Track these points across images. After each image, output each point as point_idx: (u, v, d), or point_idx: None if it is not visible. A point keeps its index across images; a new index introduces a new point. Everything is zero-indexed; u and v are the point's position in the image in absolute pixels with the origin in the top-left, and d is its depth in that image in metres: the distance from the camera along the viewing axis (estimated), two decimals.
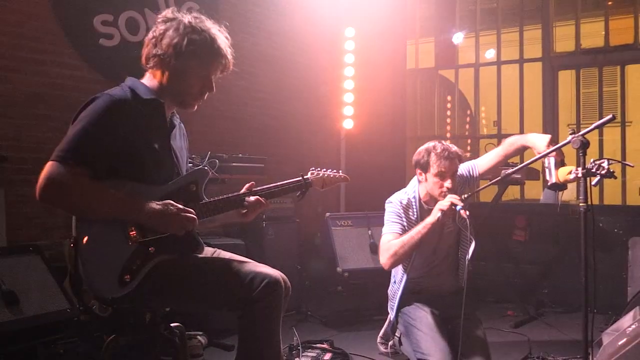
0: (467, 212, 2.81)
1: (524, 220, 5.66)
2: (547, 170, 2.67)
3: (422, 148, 3.13)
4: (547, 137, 2.86)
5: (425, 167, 3.06)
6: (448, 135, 8.79)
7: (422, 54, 7.39)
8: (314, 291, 5.12)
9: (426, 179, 3.07)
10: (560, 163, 2.69)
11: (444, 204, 2.84)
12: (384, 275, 3.23)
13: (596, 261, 2.45)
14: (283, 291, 2.17)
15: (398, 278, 3.16)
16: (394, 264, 3.03)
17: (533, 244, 5.60)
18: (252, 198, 2.36)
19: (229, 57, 2.26)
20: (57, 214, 3.82)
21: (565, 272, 5.28)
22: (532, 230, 5.62)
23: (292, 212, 4.97)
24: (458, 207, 2.79)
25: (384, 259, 3.01)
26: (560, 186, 2.62)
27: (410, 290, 3.11)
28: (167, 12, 2.25)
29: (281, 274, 2.22)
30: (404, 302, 3.09)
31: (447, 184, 2.99)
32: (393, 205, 3.14)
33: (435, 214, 2.86)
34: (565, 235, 5.18)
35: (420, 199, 3.13)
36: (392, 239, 3.02)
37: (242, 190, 2.40)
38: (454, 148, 3.07)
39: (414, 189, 3.16)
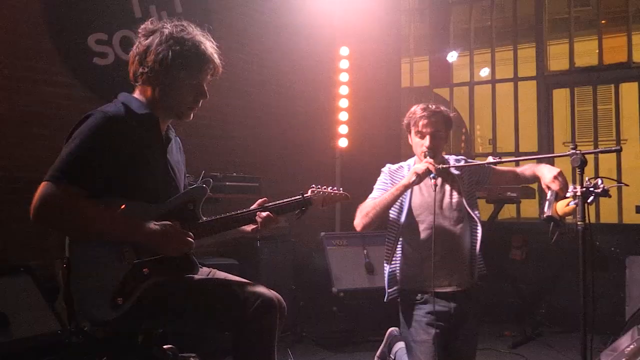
0: (437, 183, 2.80)
1: (521, 240, 5.66)
2: (546, 203, 2.64)
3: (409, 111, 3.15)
4: (556, 170, 2.81)
5: (409, 128, 3.11)
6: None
7: (416, 72, 7.44)
8: (308, 312, 5.09)
9: (411, 140, 3.11)
10: (561, 199, 2.66)
11: (420, 167, 2.83)
12: (380, 296, 3.22)
13: (594, 280, 2.45)
14: (278, 311, 2.16)
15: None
16: (366, 226, 2.98)
17: (530, 263, 5.60)
18: (264, 213, 2.38)
19: (217, 60, 2.26)
20: (49, 233, 3.75)
21: (562, 291, 5.28)
22: (529, 250, 5.62)
23: (287, 232, 4.96)
24: (431, 175, 2.79)
25: (357, 220, 3.00)
26: (556, 220, 2.56)
27: (410, 277, 3.03)
28: (147, 24, 2.24)
29: (276, 294, 2.21)
30: (407, 305, 3.02)
31: (426, 142, 2.98)
32: (383, 173, 3.17)
33: (410, 177, 2.83)
34: (563, 254, 5.18)
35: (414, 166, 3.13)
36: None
37: (252, 207, 2.41)
38: (441, 108, 3.06)
39: (411, 159, 3.19)
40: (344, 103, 6.35)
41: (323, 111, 6.26)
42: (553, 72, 6.73)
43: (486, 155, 7.50)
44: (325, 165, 6.26)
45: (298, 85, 5.99)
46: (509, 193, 4.95)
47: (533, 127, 6.65)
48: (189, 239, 2.12)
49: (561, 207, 2.55)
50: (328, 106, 6.31)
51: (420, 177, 2.81)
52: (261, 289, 2.18)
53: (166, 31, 2.18)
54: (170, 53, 2.13)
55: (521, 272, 5.58)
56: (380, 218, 2.98)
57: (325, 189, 2.62)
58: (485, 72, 7.56)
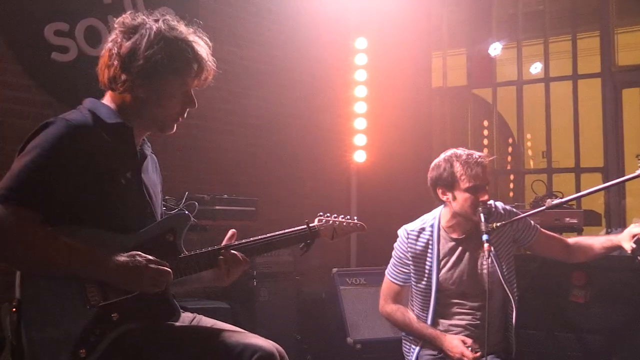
0: (491, 248, 2.87)
1: (584, 277, 5.62)
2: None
3: (439, 160, 3.16)
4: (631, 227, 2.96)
5: (450, 184, 3.08)
6: None
7: (451, 69, 7.46)
8: None
9: (454, 198, 3.09)
10: None
11: (455, 353, 2.98)
12: None
13: None
14: None
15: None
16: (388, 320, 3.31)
17: (596, 307, 5.55)
18: (228, 252, 2.34)
19: (211, 66, 2.31)
20: None
21: (637, 342, 5.23)
22: (594, 290, 5.59)
23: (290, 268, 4.95)
24: (485, 237, 2.88)
25: (383, 313, 3.28)
26: None
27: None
28: (126, 18, 2.26)
29: (276, 345, 2.22)
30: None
31: (484, 197, 3.02)
32: (398, 241, 3.28)
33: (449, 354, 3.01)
34: (637, 294, 5.14)
35: (439, 227, 3.15)
36: (390, 291, 3.27)
37: (233, 242, 2.40)
38: (478, 153, 3.14)
39: (436, 213, 3.25)
40: (361, 108, 6.38)
41: (335, 118, 6.28)
42: (622, 67, 6.72)
43: (538, 172, 7.49)
44: (337, 185, 6.27)
45: (304, 86, 6.01)
46: (568, 219, 4.93)
47: (597, 136, 6.64)
48: (165, 269, 2.13)
49: None
50: (341, 112, 6.33)
51: None
52: (258, 340, 2.18)
53: (154, 28, 2.21)
54: (159, 58, 2.17)
55: (585, 318, 5.53)
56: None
57: (336, 217, 2.61)
58: (536, 69, 7.56)
